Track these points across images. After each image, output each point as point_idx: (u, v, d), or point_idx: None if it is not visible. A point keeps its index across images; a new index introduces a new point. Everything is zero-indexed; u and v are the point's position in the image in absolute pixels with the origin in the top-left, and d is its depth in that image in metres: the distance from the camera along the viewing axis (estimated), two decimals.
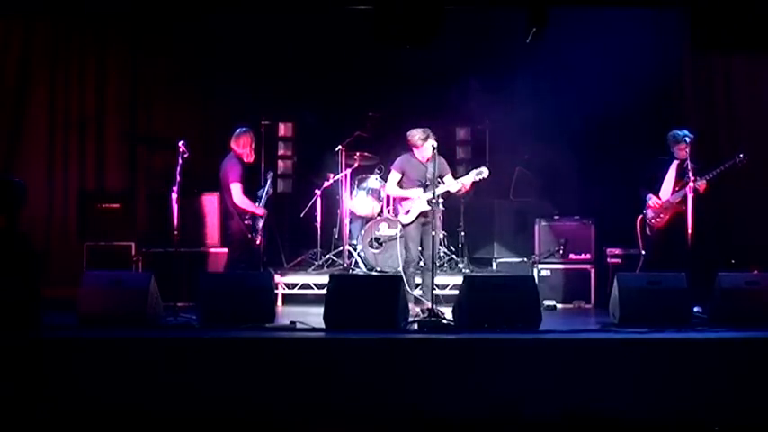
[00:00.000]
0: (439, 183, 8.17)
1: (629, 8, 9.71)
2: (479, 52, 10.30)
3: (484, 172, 8.30)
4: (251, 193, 8.57)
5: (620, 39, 9.95)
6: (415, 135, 8.27)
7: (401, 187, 8.45)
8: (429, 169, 8.21)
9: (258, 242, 8.48)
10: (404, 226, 8.46)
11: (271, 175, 9.05)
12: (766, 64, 10.04)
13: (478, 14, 9.91)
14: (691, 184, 8.19)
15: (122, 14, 9.91)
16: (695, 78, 10.34)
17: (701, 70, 10.30)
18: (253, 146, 8.53)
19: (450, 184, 8.32)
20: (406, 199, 8.41)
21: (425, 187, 8.26)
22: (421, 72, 10.15)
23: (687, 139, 8.43)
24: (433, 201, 8.03)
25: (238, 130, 8.51)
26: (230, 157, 8.48)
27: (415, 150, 8.34)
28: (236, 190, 8.38)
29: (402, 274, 8.33)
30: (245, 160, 8.49)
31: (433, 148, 8.10)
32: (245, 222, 8.42)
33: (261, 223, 8.49)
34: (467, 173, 8.52)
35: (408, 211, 8.35)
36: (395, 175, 8.47)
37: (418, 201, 8.28)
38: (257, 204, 8.48)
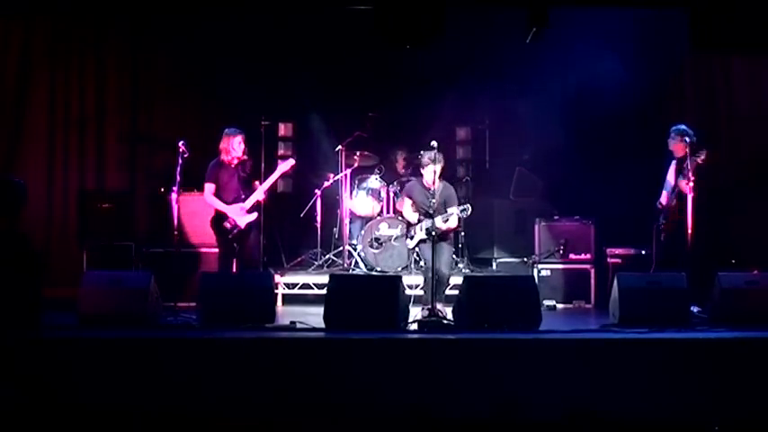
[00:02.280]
0: (443, 211, 8.18)
1: (629, 8, 9.71)
2: (479, 52, 10.30)
3: (468, 209, 8.26)
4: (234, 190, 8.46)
5: (621, 39, 9.95)
6: (424, 156, 8.29)
7: (413, 211, 8.52)
8: (435, 197, 8.19)
9: (231, 227, 8.35)
10: (410, 249, 8.66)
11: (286, 164, 8.76)
12: (766, 64, 10.04)
13: (479, 14, 9.91)
14: (682, 181, 8.18)
15: (122, 14, 9.91)
16: (695, 78, 10.34)
17: (701, 70, 10.31)
18: (233, 146, 8.32)
19: (440, 221, 8.15)
20: (412, 224, 8.51)
21: (429, 215, 8.22)
22: (421, 72, 10.15)
23: (687, 138, 8.40)
24: (433, 231, 7.99)
25: (225, 130, 8.46)
26: (215, 159, 8.45)
27: (422, 171, 8.38)
28: (206, 189, 8.38)
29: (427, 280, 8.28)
30: (222, 158, 8.40)
31: (434, 173, 8.15)
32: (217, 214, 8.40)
33: (240, 217, 8.36)
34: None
35: (412, 237, 8.45)
36: (406, 201, 8.59)
37: (418, 230, 8.34)
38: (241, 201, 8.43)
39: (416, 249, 8.56)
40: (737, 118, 10.22)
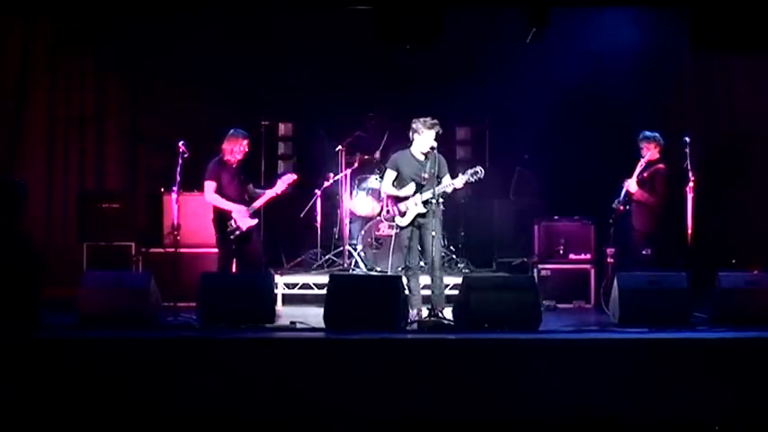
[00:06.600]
0: (435, 182, 7.84)
1: (629, 8, 9.71)
2: (479, 52, 10.30)
3: (480, 172, 7.92)
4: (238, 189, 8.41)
5: (621, 39, 9.95)
6: (421, 120, 7.89)
7: (397, 186, 8.11)
8: (426, 167, 7.90)
9: (234, 227, 8.31)
10: (400, 228, 8.14)
11: (288, 177, 8.57)
12: (766, 64, 10.04)
13: (478, 14, 9.90)
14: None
15: (122, 14, 9.91)
16: (695, 78, 10.34)
17: (701, 70, 10.31)
18: (237, 148, 8.26)
19: (445, 185, 7.90)
20: (401, 200, 8.06)
21: (421, 187, 7.94)
22: (421, 72, 10.15)
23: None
24: (433, 200, 7.79)
25: (231, 131, 8.40)
26: (216, 157, 8.40)
27: (415, 139, 7.97)
28: (206, 187, 8.29)
29: (403, 276, 8.22)
30: (225, 157, 8.32)
31: (432, 148, 7.88)
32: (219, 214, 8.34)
33: (242, 219, 8.33)
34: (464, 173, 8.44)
35: (404, 213, 8.02)
36: (390, 174, 8.12)
37: (413, 204, 7.93)
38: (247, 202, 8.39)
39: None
40: (737, 118, 10.23)
